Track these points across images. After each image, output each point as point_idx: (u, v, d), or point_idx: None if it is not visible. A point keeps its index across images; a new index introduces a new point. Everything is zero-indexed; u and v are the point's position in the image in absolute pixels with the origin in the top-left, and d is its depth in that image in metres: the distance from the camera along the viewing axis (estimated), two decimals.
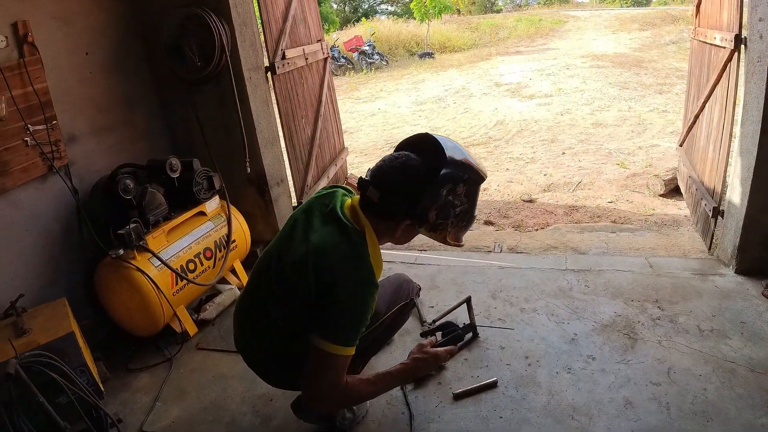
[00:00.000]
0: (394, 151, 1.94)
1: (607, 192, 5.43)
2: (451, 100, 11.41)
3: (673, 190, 5.06)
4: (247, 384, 2.67)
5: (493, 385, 2.47)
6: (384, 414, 2.39)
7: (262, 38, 3.74)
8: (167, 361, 2.95)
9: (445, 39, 21.53)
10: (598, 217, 4.75)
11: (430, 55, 19.27)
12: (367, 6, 34.72)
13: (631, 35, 18.92)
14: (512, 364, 2.62)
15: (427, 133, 1.92)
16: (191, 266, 3.14)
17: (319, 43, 4.81)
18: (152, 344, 3.07)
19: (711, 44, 3.65)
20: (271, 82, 3.76)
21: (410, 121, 9.88)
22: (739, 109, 3.10)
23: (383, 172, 1.84)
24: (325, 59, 4.99)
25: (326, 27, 22.77)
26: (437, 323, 2.89)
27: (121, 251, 2.77)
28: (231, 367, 2.82)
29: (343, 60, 17.91)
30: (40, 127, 2.78)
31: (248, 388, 2.65)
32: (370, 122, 10.27)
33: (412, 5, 21.04)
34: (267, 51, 3.76)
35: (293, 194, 4.18)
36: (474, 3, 32.88)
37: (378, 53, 18.52)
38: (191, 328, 3.16)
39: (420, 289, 3.22)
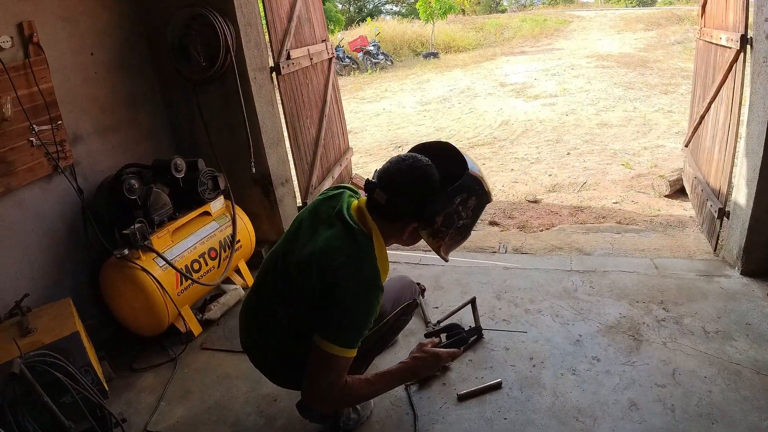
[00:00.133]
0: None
1: (613, 193, 5.41)
2: (456, 100, 11.40)
3: (678, 191, 5.04)
4: (251, 384, 2.67)
5: (497, 386, 2.47)
6: (388, 415, 2.39)
7: (267, 38, 3.74)
8: (171, 361, 2.96)
9: (450, 39, 21.50)
10: (603, 217, 4.74)
11: (434, 55, 19.25)
12: (371, 6, 34.69)
13: (636, 35, 18.86)
14: (517, 365, 2.61)
15: (446, 142, 1.95)
16: (196, 266, 3.14)
17: (324, 43, 4.81)
18: (157, 344, 3.07)
19: (717, 44, 3.63)
20: (275, 83, 3.77)
21: (415, 121, 9.87)
22: (744, 110, 3.08)
23: (390, 174, 1.84)
24: (330, 59, 4.99)
25: (331, 27, 22.77)
26: (442, 324, 2.88)
27: (126, 251, 2.78)
28: (235, 367, 2.82)
29: (347, 60, 17.88)
30: (45, 127, 2.79)
31: (252, 388, 2.66)
32: (375, 122, 10.26)
33: (417, 5, 21.00)
34: (272, 51, 3.76)
35: (298, 194, 4.19)
36: (479, 3, 32.81)
37: (383, 53, 18.50)
38: (196, 328, 3.16)
39: (425, 289, 3.24)
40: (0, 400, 1.96)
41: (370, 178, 1.90)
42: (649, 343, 2.66)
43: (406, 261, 3.74)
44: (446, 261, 2.06)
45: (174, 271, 2.96)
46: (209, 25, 3.20)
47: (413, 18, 25.04)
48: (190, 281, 3.06)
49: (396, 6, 35.01)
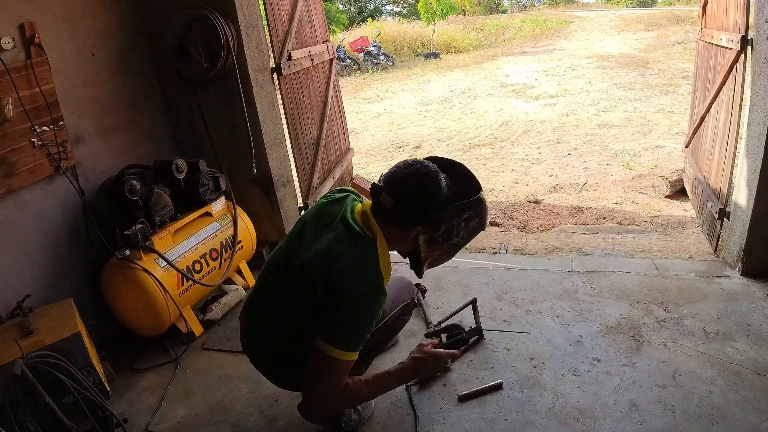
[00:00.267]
0: None
1: (613, 193, 5.41)
2: (457, 100, 11.40)
3: (678, 192, 5.04)
4: (252, 385, 2.68)
5: (498, 387, 2.47)
6: (389, 415, 2.39)
7: (268, 39, 3.75)
8: (173, 362, 2.96)
9: (451, 39, 21.52)
10: (604, 218, 4.74)
11: (435, 55, 19.26)
12: (372, 7, 34.70)
13: (636, 36, 18.89)
14: (517, 366, 2.61)
15: (460, 162, 1.99)
16: (197, 267, 3.15)
17: (325, 44, 4.81)
18: (158, 344, 3.08)
19: (717, 45, 3.64)
20: (276, 83, 3.77)
21: (416, 122, 9.88)
22: (745, 111, 3.09)
23: (398, 178, 1.85)
24: (331, 60, 5.00)
25: (332, 27, 22.78)
26: (442, 325, 2.88)
27: (128, 252, 2.79)
28: (236, 368, 2.83)
29: (348, 60, 17.90)
30: (47, 128, 2.80)
31: (254, 388, 2.66)
32: (376, 123, 10.27)
33: (418, 6, 21.02)
34: (273, 52, 3.77)
35: (299, 195, 4.19)
36: (479, 3, 32.82)
37: (383, 54, 18.51)
38: (197, 329, 3.16)
39: (425, 290, 3.24)
40: (2, 400, 1.96)
41: (376, 182, 1.90)
42: (650, 344, 2.66)
43: (407, 261, 3.73)
44: (420, 276, 2.09)
45: (175, 271, 2.96)
46: (210, 25, 3.20)
47: (414, 18, 25.05)
48: (191, 282, 3.06)
49: (397, 6, 35.04)
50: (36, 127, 2.73)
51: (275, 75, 3.73)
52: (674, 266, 3.39)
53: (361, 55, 18.36)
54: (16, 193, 2.70)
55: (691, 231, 4.08)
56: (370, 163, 7.48)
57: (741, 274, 3.16)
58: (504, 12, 32.92)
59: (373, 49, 18.37)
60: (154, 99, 3.65)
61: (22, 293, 2.50)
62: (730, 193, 3.34)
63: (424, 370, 2.14)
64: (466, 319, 2.94)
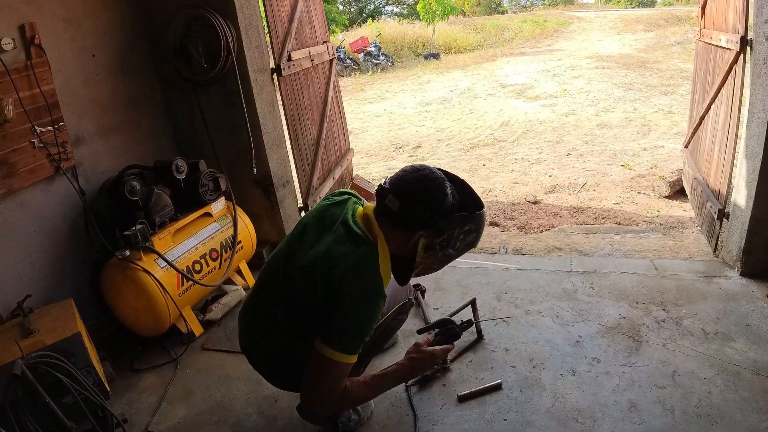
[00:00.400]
0: None
1: (612, 193, 5.41)
2: (457, 101, 11.40)
3: (678, 192, 5.04)
4: (252, 385, 2.68)
5: (497, 388, 2.47)
6: (388, 416, 2.40)
7: (268, 40, 3.75)
8: (173, 362, 2.96)
9: (451, 40, 21.52)
10: (603, 218, 4.74)
11: (435, 56, 19.26)
12: (372, 7, 34.71)
13: (636, 36, 18.89)
14: (517, 366, 2.62)
15: (463, 179, 2.03)
16: (197, 267, 3.15)
17: (325, 45, 4.81)
18: (158, 344, 3.08)
19: (716, 46, 3.64)
20: (276, 84, 3.77)
21: (416, 122, 9.88)
22: (744, 111, 3.09)
23: (405, 182, 1.85)
24: (331, 60, 5.00)
25: (332, 28, 22.78)
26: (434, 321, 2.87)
27: (128, 252, 2.79)
28: (236, 368, 2.83)
29: (348, 61, 17.90)
30: (47, 128, 2.80)
31: (253, 389, 2.66)
32: (376, 123, 10.27)
33: (418, 7, 21.03)
34: (273, 52, 3.77)
35: (299, 195, 4.20)
36: (479, 4, 32.82)
37: (383, 54, 18.52)
38: (197, 329, 3.17)
39: (425, 290, 3.24)
40: (2, 400, 1.96)
41: (382, 184, 1.90)
42: (649, 344, 2.67)
43: None
44: (403, 284, 2.09)
45: (175, 272, 2.97)
46: (210, 26, 3.21)
47: (414, 19, 25.05)
48: (191, 282, 3.07)
49: (397, 7, 35.05)
50: (36, 127, 2.73)
51: (275, 75, 3.74)
52: (673, 266, 3.40)
53: (361, 56, 18.36)
54: (17, 193, 2.71)
55: (691, 231, 4.08)
56: (370, 164, 7.48)
57: (740, 275, 3.16)
58: (504, 12, 32.91)
59: (373, 49, 18.38)
60: (154, 99, 3.65)
61: (22, 293, 2.51)
62: (729, 194, 3.35)
63: (421, 369, 2.15)
64: (466, 319, 2.93)
